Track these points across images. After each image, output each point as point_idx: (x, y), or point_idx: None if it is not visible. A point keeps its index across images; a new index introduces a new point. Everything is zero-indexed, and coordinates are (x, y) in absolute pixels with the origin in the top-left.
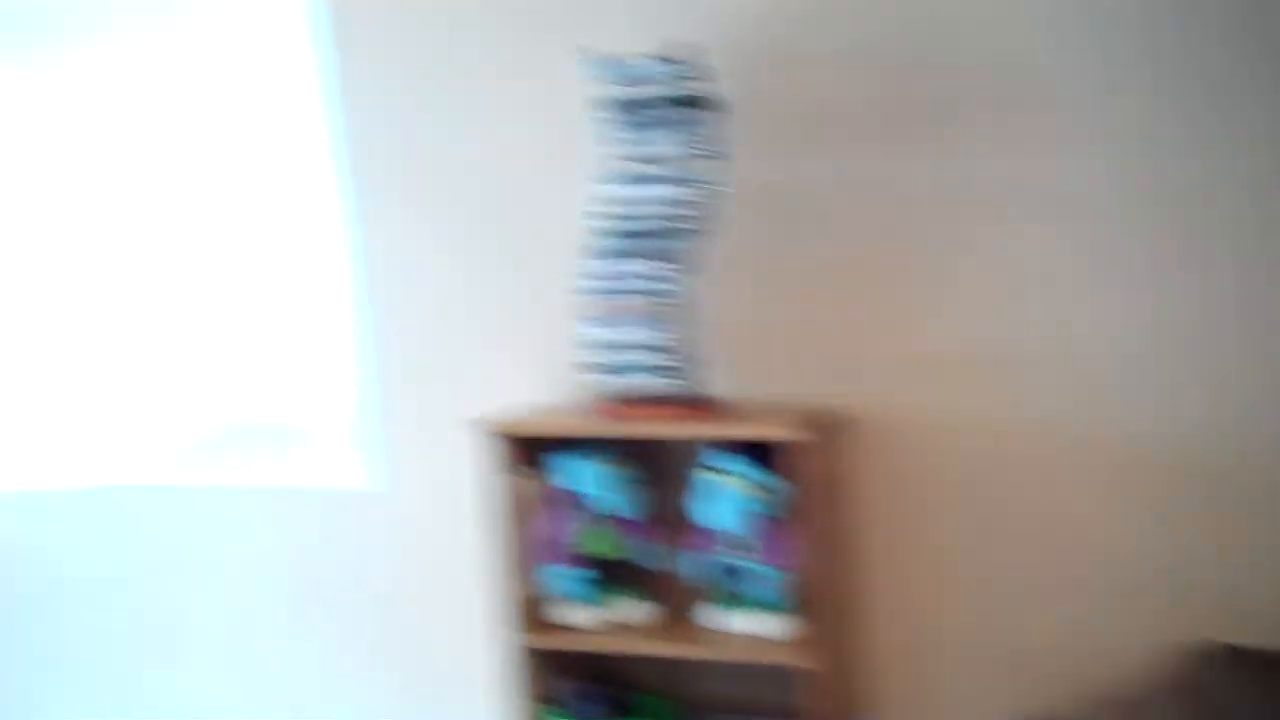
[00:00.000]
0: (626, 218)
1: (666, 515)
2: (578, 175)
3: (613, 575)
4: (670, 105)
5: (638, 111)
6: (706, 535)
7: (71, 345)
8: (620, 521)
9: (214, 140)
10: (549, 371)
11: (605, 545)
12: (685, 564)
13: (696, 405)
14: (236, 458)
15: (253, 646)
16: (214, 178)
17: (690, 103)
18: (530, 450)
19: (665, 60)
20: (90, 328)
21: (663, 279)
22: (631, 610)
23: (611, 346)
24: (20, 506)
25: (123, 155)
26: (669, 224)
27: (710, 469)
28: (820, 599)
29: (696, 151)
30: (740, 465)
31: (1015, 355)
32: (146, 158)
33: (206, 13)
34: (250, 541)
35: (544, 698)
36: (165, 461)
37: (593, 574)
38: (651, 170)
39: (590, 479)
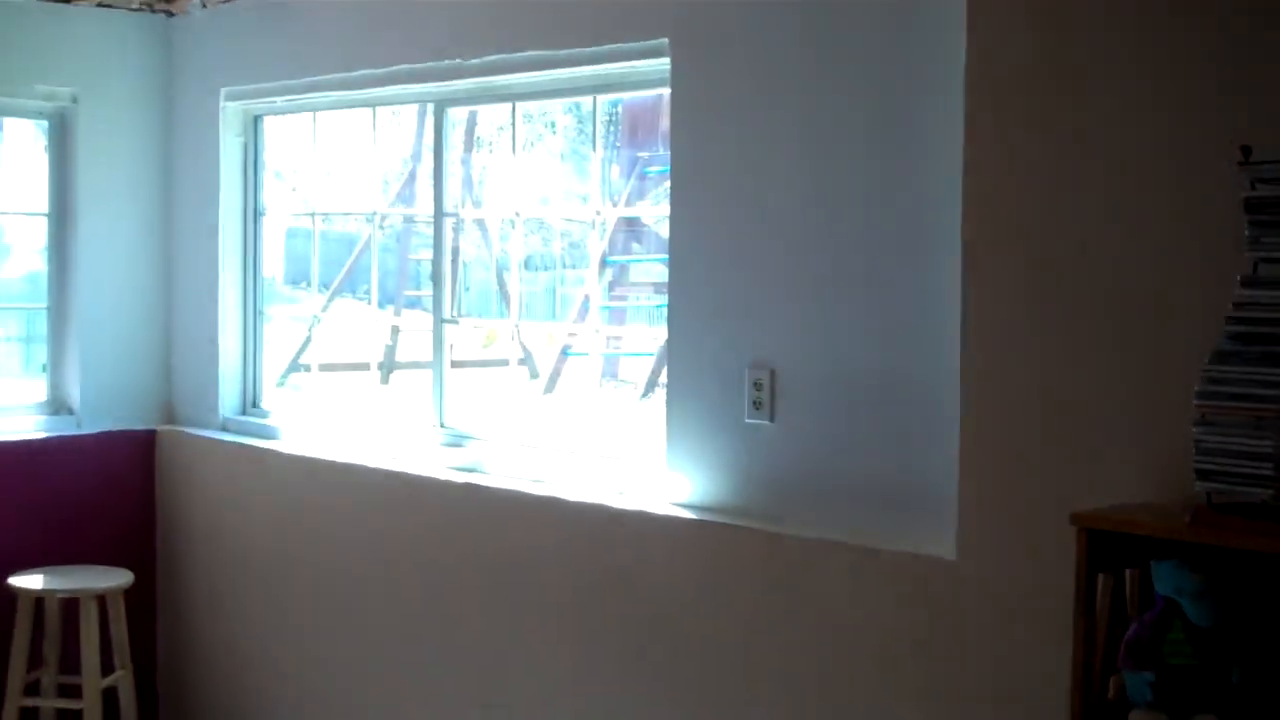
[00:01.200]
0: (1262, 322)
1: (1258, 633)
2: (1208, 271)
3: (1193, 688)
4: None
5: None
6: None
7: None
8: (1210, 635)
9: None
10: (1151, 472)
11: (1191, 657)
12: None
13: None
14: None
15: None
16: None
17: None
18: (1123, 550)
19: None
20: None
21: None
22: None
23: (1226, 454)
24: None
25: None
26: None
27: None
28: None
29: None
30: None
31: None
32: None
33: None
34: (830, 603)
35: None
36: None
37: (1172, 685)
38: None
39: (1185, 587)
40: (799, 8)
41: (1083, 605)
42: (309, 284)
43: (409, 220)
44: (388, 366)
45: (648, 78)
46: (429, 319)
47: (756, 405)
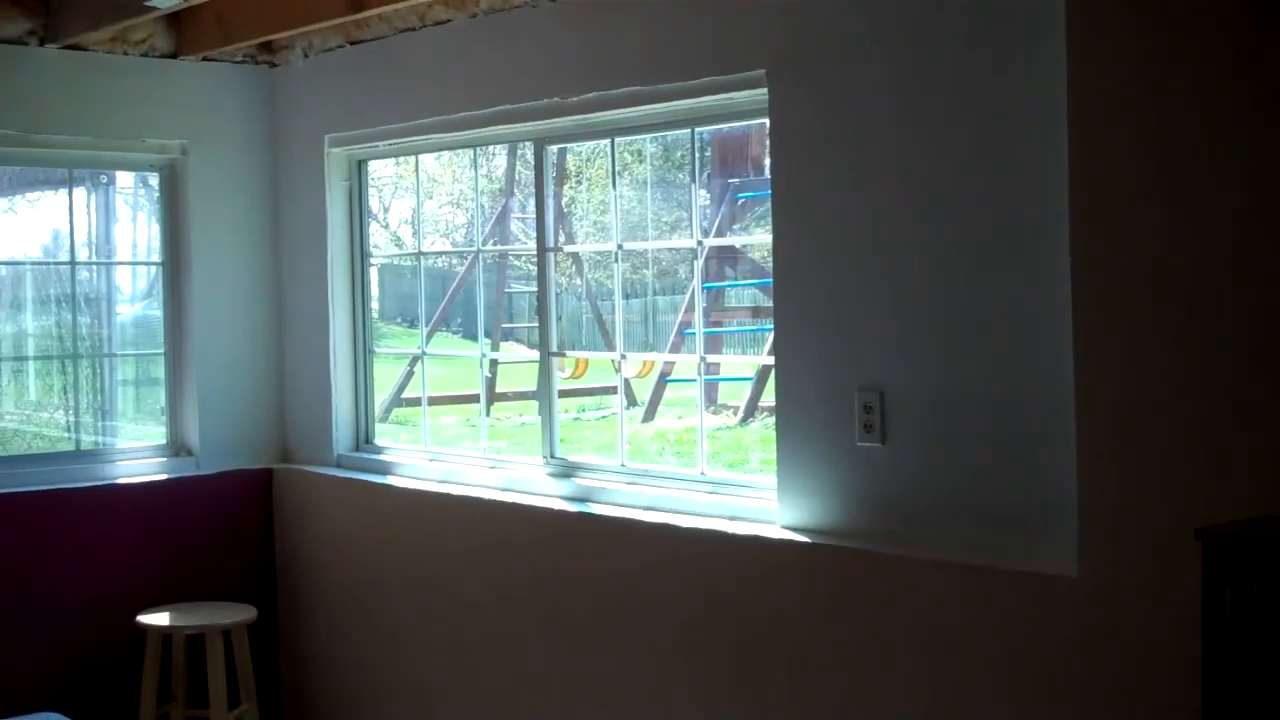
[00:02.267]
0: None
1: None
2: None
3: None
4: None
5: None
6: None
7: None
8: None
9: None
10: (1276, 483)
11: None
12: None
13: None
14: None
15: None
16: None
17: None
18: (1249, 563)
19: None
20: None
21: None
22: None
23: None
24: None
25: None
26: None
27: None
28: None
29: None
30: None
31: None
32: None
33: None
34: (947, 624)
35: None
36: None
37: None
38: None
39: None
40: (895, 35)
41: (1208, 621)
42: (401, 319)
43: (501, 254)
44: (487, 398)
45: (745, 108)
46: (524, 350)
47: (867, 428)
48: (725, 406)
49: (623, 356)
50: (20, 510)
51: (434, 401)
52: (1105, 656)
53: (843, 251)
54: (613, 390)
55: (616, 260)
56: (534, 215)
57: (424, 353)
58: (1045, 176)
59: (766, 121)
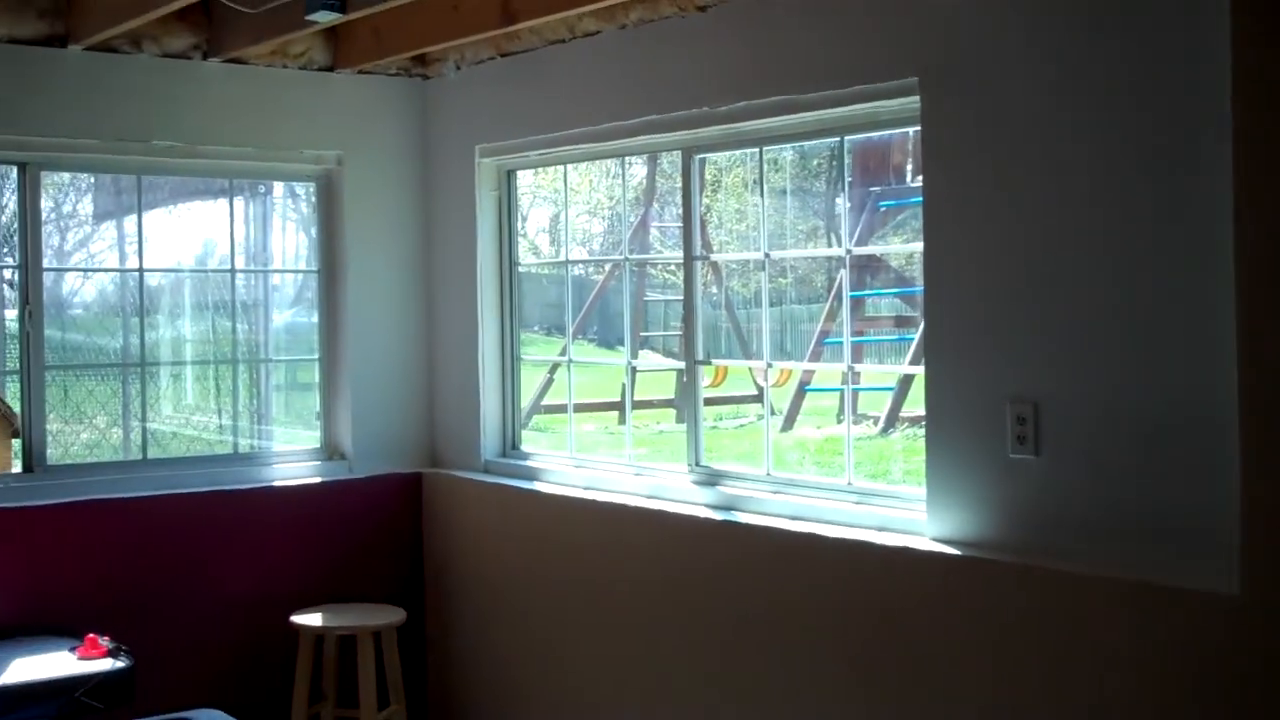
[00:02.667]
0: None
1: None
2: None
3: None
4: None
5: None
6: None
7: None
8: None
9: None
10: None
11: None
12: None
13: None
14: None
15: None
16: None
17: None
18: None
19: None
20: None
21: None
22: None
23: None
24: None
25: None
26: None
27: None
28: None
29: None
30: None
31: None
32: None
33: None
34: (1103, 639)
35: None
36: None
37: None
38: None
39: None
40: (1049, 42)
41: None
42: (539, 326)
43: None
44: (626, 406)
45: (894, 116)
46: (660, 359)
47: (1020, 440)
48: (865, 416)
49: (769, 364)
50: (182, 510)
51: (575, 409)
52: (1265, 677)
53: (995, 259)
54: (750, 399)
55: (764, 268)
56: (671, 224)
57: (570, 360)
58: (1205, 180)
59: (910, 130)
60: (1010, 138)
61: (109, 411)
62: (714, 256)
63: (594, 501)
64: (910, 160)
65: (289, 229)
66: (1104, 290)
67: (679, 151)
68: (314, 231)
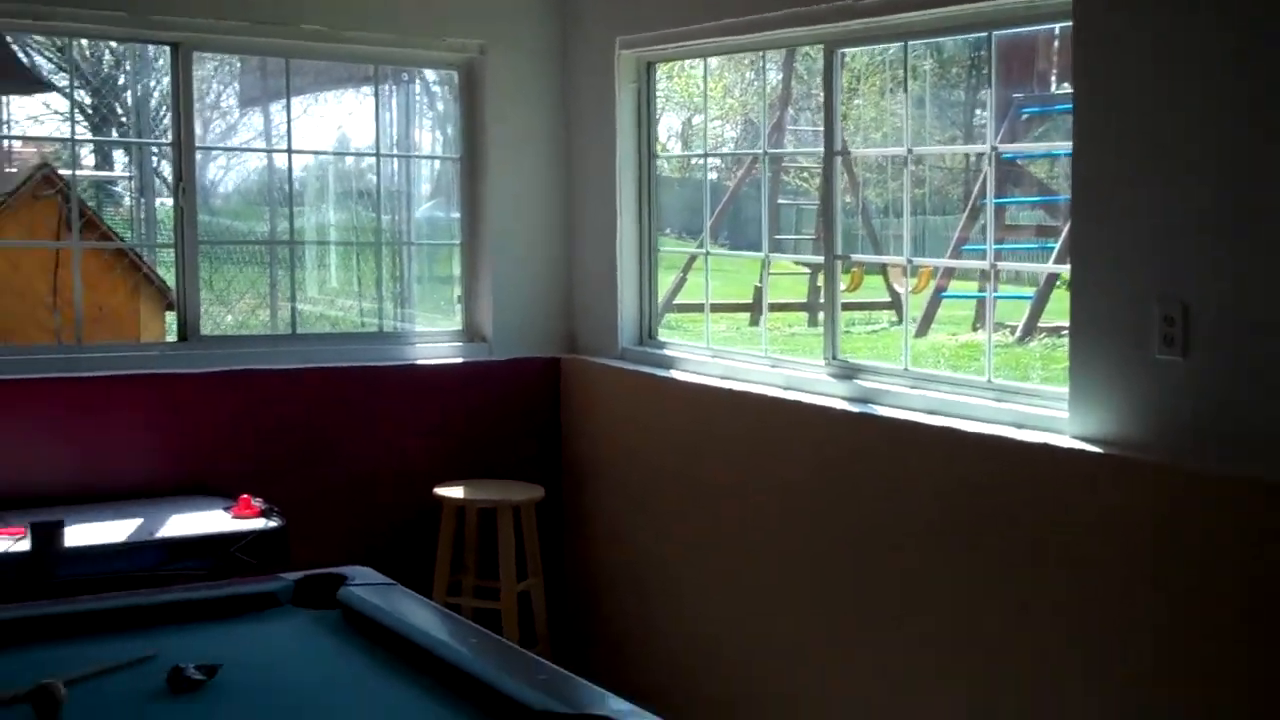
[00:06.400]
0: None
1: None
2: None
3: None
4: None
5: None
6: None
7: None
8: None
9: None
10: None
11: None
12: None
13: None
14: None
15: None
16: None
17: None
18: None
19: None
20: None
21: None
22: None
23: None
24: None
25: None
26: None
27: None
28: None
29: None
30: None
31: None
32: None
33: None
34: (1244, 543)
35: None
36: None
37: None
38: None
39: None
40: None
41: None
42: (670, 229)
43: (774, 163)
44: (759, 308)
45: (1047, 10)
46: (792, 264)
47: (1167, 341)
48: (1003, 325)
49: (909, 261)
50: (330, 384)
51: (705, 309)
52: None
53: (1148, 159)
54: (884, 305)
55: (906, 164)
56: (805, 128)
57: (707, 251)
58: None
59: (1057, 28)
60: (1170, 31)
61: (256, 293)
62: (855, 151)
63: (729, 390)
64: (1054, 67)
65: (427, 125)
66: (1259, 191)
67: (820, 46)
68: (455, 120)
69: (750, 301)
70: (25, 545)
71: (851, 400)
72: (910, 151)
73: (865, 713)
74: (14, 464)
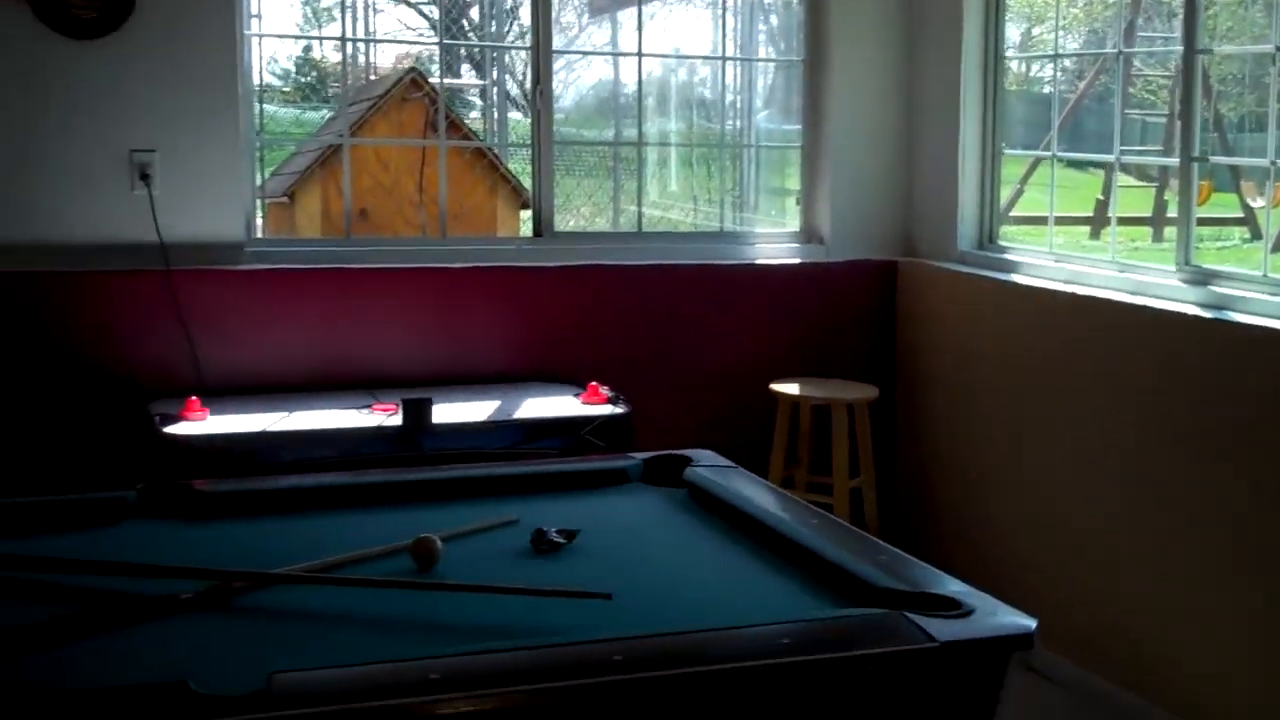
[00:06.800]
0: None
1: None
2: None
3: None
4: None
5: None
6: None
7: None
8: None
9: None
10: None
11: None
12: None
13: None
14: None
15: None
16: None
17: None
18: None
19: None
20: None
21: None
22: None
23: None
24: None
25: None
26: None
27: None
28: None
29: None
30: None
31: None
32: None
33: None
34: None
35: None
36: None
37: None
38: None
39: None
40: None
41: None
42: (1005, 145)
43: (1124, 68)
44: (1100, 221)
45: None
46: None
47: None
48: None
49: (1273, 162)
50: (674, 280)
51: (1044, 221)
52: None
53: None
54: (1238, 220)
55: (1273, 61)
56: (1156, 35)
57: (1054, 155)
58: None
59: None
60: None
61: (594, 203)
62: (1219, 49)
63: (1073, 294)
64: None
65: (761, 39)
66: None
67: None
68: (794, 26)
69: (1091, 215)
70: (398, 420)
71: (1204, 306)
72: (1278, 50)
73: (1229, 621)
74: (388, 347)
